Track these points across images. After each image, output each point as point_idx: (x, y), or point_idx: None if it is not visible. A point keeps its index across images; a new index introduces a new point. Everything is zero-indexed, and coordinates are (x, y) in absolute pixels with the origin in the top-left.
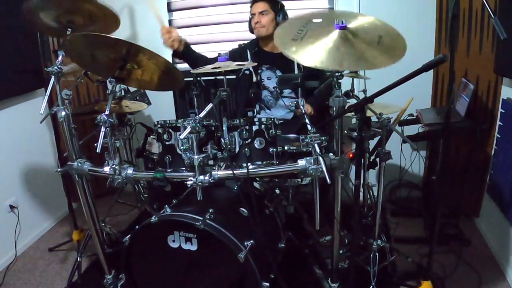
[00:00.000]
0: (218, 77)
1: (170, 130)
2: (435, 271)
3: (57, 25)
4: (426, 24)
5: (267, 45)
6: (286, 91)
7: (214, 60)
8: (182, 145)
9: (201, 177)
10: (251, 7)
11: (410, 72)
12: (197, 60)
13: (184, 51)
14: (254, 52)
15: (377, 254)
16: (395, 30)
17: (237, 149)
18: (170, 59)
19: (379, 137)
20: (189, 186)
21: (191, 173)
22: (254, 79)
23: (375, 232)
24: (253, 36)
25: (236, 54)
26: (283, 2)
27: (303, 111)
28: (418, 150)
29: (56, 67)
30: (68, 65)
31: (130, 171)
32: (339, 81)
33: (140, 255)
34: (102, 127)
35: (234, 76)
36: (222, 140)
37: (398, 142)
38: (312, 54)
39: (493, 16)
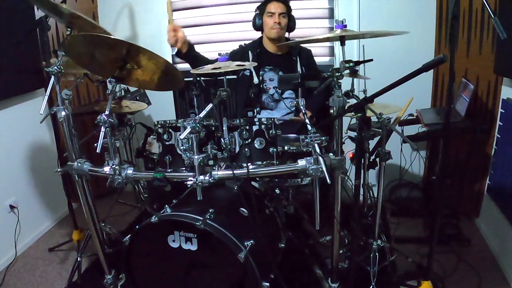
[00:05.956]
0: (218, 78)
1: (170, 130)
2: (435, 271)
3: None
4: (426, 24)
5: (272, 46)
6: (287, 93)
7: (215, 61)
8: (182, 145)
9: (201, 177)
10: (267, 4)
11: (410, 72)
12: (199, 61)
13: (187, 53)
14: (257, 53)
15: (377, 254)
16: None
17: (237, 149)
18: (170, 59)
19: (379, 137)
20: (189, 186)
21: (191, 173)
22: (256, 80)
23: (375, 232)
24: (254, 36)
25: (237, 55)
26: None
27: (305, 116)
28: (418, 150)
29: (56, 67)
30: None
31: (130, 171)
32: (339, 81)
33: (140, 255)
34: (102, 127)
35: (235, 76)
36: (222, 140)
37: (398, 142)
38: None
39: (493, 16)
